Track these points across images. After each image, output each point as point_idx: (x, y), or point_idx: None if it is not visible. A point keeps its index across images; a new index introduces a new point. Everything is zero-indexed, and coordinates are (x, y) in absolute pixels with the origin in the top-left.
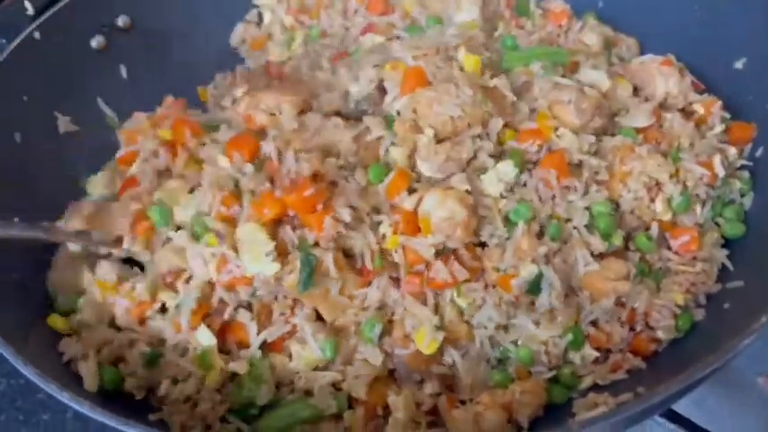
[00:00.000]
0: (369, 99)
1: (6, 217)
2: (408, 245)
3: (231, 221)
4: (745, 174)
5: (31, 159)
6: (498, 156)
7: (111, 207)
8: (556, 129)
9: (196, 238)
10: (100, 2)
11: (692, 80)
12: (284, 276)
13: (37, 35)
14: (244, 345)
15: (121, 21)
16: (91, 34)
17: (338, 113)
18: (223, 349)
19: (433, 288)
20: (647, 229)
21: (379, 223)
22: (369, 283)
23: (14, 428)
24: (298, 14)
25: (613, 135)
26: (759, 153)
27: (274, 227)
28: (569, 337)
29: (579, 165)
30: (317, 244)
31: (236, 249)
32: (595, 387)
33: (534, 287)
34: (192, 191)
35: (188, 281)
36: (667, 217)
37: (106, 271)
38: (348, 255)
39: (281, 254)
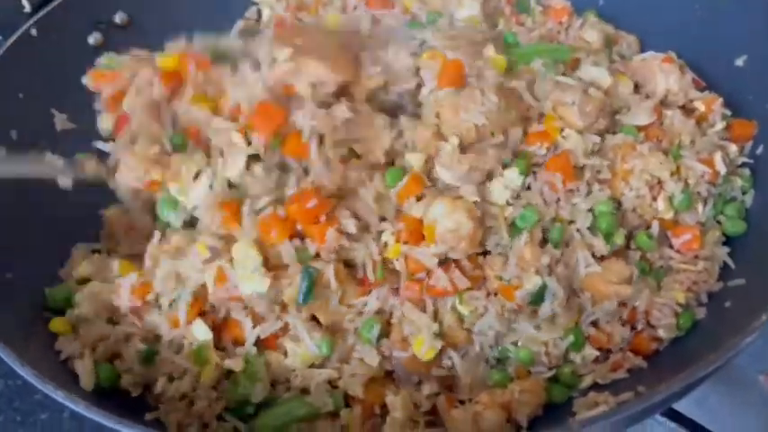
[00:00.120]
0: (408, 93)
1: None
2: (411, 254)
3: (230, 238)
4: (746, 171)
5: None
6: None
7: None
8: (561, 130)
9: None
10: None
11: (692, 77)
12: (283, 290)
13: (34, 32)
14: (239, 342)
15: (119, 17)
16: (88, 31)
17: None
18: (218, 346)
19: (433, 295)
20: (649, 227)
21: (381, 232)
22: (368, 292)
23: (12, 429)
24: (296, 11)
25: (614, 133)
26: (760, 150)
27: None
28: (570, 338)
29: (583, 165)
30: (317, 254)
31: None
32: (596, 386)
33: (538, 298)
34: (197, 176)
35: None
36: (669, 215)
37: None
38: (349, 264)
39: (275, 267)
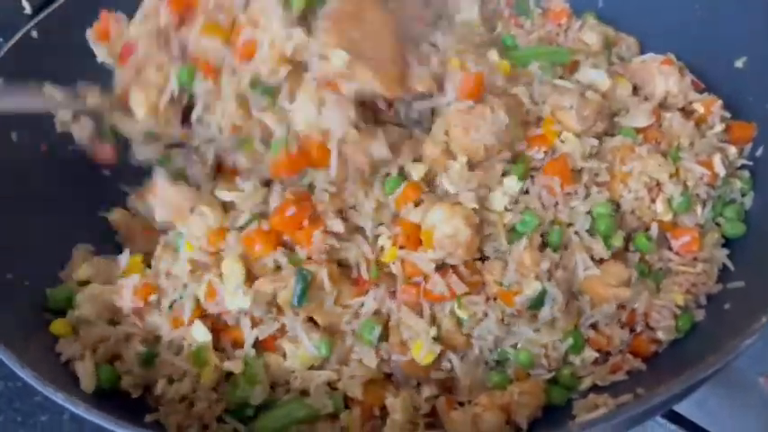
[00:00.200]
0: (426, 113)
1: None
2: (408, 258)
3: (217, 254)
4: (746, 173)
5: (28, 158)
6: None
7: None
8: (559, 133)
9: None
10: (97, 0)
11: (692, 79)
12: (278, 292)
13: (34, 34)
14: (238, 343)
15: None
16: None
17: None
18: (217, 347)
19: (430, 300)
20: (647, 229)
21: (378, 236)
22: (365, 293)
23: (12, 429)
24: None
25: (613, 135)
26: (759, 152)
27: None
28: (569, 341)
29: (581, 168)
30: (309, 258)
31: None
32: (595, 388)
33: (537, 303)
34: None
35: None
36: (668, 217)
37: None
38: (343, 265)
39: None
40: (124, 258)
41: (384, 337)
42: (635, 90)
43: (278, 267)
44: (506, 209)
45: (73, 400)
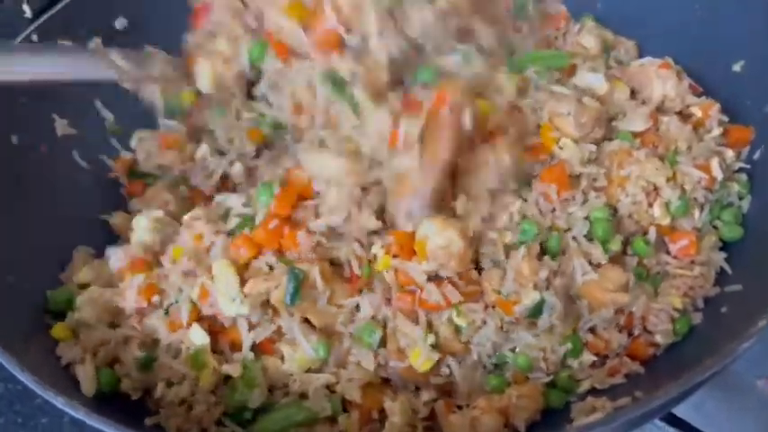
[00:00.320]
0: None
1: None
2: (401, 268)
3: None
4: (743, 177)
5: (28, 162)
6: None
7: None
8: (558, 140)
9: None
10: (97, 4)
11: (689, 83)
12: (271, 292)
13: (35, 37)
14: (236, 346)
15: (119, 23)
16: (88, 37)
17: None
18: (216, 350)
19: (426, 309)
20: (645, 233)
21: (371, 244)
22: (358, 292)
23: (13, 430)
24: None
25: (610, 140)
26: (757, 156)
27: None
28: (568, 345)
29: (579, 174)
30: (300, 260)
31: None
32: (593, 391)
33: (536, 312)
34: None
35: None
36: (666, 221)
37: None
38: (335, 264)
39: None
40: (114, 255)
41: (382, 342)
42: (632, 94)
43: (270, 268)
44: (506, 228)
45: (73, 405)
